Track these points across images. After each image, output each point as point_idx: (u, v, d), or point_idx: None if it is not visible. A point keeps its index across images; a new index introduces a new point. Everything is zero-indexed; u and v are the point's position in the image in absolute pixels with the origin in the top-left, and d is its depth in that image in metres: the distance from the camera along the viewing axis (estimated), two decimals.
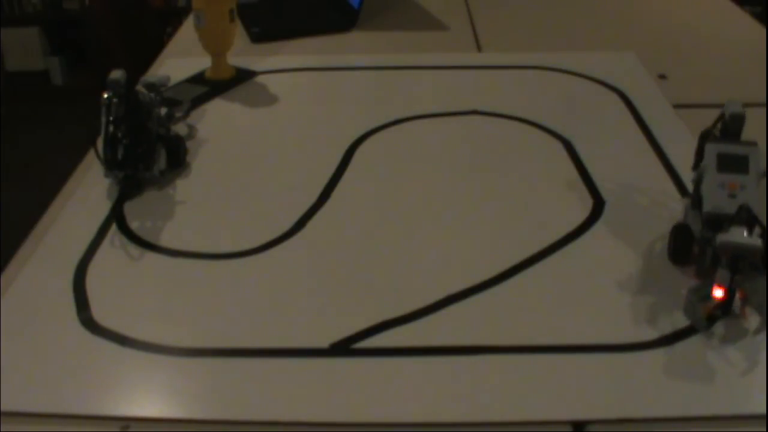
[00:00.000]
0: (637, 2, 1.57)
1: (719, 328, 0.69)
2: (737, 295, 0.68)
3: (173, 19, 3.11)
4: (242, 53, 1.30)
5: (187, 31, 1.43)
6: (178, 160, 0.95)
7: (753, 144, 0.73)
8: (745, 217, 0.68)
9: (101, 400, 0.63)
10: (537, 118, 1.07)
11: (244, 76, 1.22)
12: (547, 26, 1.45)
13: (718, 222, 0.70)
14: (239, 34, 1.27)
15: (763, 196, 0.71)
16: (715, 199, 0.71)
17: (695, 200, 0.75)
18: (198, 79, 1.20)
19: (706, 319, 0.68)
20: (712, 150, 0.73)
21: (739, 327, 0.69)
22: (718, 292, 0.67)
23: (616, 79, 1.19)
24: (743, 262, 0.67)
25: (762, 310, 0.69)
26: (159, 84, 0.95)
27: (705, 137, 0.77)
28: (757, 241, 0.66)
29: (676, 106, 1.11)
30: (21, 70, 3.41)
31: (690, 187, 0.89)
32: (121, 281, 0.77)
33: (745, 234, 0.67)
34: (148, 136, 0.91)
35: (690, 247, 0.75)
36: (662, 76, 1.21)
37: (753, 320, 0.69)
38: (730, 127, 0.75)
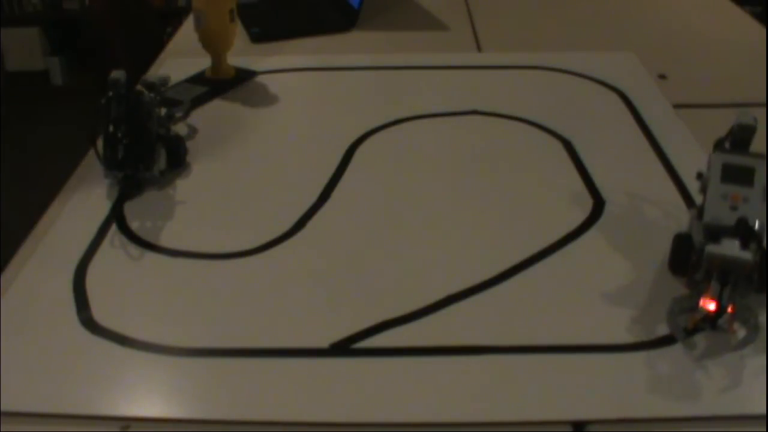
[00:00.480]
0: (637, 2, 1.57)
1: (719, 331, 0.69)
2: (728, 310, 0.66)
3: (173, 19, 3.11)
4: (242, 53, 1.30)
5: (187, 31, 1.43)
6: (178, 160, 0.95)
7: (761, 156, 0.71)
8: (743, 230, 0.67)
9: (101, 400, 0.63)
10: (537, 118, 1.07)
11: (244, 76, 1.22)
12: (547, 26, 1.45)
13: (717, 234, 0.68)
14: (239, 34, 1.27)
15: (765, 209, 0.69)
16: (716, 210, 0.69)
17: (701, 210, 0.73)
18: (198, 79, 1.20)
19: (687, 331, 0.67)
20: (717, 160, 0.72)
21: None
22: (710, 305, 0.66)
23: (616, 79, 1.19)
24: (735, 276, 0.66)
25: (749, 326, 0.67)
26: (159, 84, 0.95)
27: (718, 146, 0.75)
28: (747, 255, 0.65)
29: (676, 106, 1.11)
30: (21, 70, 3.40)
31: (691, 189, 0.90)
32: (121, 281, 0.77)
33: (738, 247, 0.65)
34: (148, 136, 0.91)
35: (690, 257, 0.74)
36: (662, 76, 1.21)
37: (741, 335, 0.68)
38: (738, 137, 0.73)
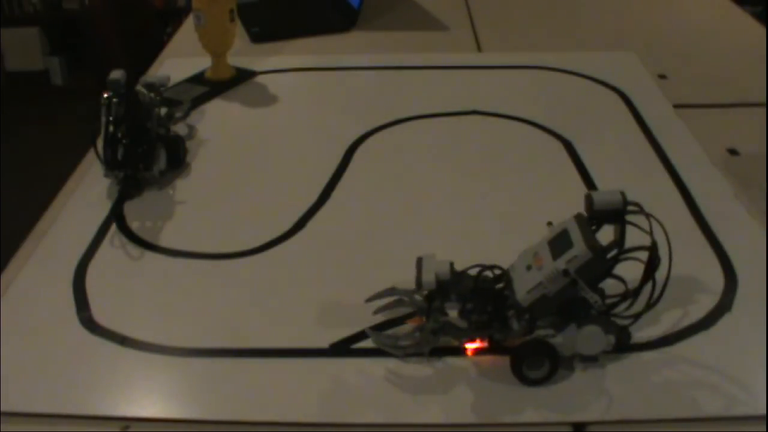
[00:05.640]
0: (637, 2, 1.57)
1: (721, 326, 0.69)
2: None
3: (173, 19, 3.11)
4: (242, 53, 1.30)
5: (187, 31, 1.43)
6: (178, 160, 0.95)
7: (594, 247, 0.62)
8: (477, 283, 0.65)
9: (101, 400, 0.63)
10: (537, 118, 1.07)
11: (244, 76, 1.22)
12: (547, 26, 1.45)
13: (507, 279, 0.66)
14: (239, 34, 1.27)
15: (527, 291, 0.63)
16: (520, 261, 0.66)
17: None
18: (198, 79, 1.20)
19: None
20: (569, 221, 0.65)
21: (737, 328, 0.69)
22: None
23: (616, 79, 1.19)
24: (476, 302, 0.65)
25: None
26: (159, 84, 0.95)
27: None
28: (430, 278, 0.65)
29: (676, 106, 1.10)
30: (21, 70, 3.40)
31: (691, 189, 0.90)
32: (121, 281, 0.77)
33: (434, 279, 0.65)
34: (148, 136, 0.91)
35: None
36: (662, 76, 1.21)
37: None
38: (600, 215, 0.65)
